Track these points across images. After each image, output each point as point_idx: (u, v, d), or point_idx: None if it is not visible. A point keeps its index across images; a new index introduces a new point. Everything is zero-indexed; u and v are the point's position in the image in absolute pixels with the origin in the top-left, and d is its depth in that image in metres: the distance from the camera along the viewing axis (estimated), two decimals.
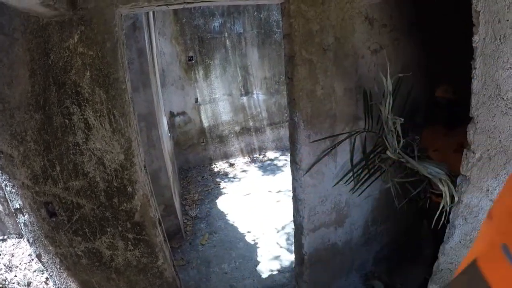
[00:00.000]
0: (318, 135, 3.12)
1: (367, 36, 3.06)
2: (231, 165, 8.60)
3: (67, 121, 2.26)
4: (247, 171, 8.20)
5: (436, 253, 2.85)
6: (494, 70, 1.91)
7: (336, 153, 3.27)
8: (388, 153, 3.02)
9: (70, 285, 2.80)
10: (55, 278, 2.76)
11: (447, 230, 2.53)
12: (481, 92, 2.01)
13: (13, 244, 5.15)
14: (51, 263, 2.68)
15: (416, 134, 3.21)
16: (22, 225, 2.50)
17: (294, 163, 3.31)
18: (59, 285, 2.80)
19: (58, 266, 2.70)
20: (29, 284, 4.32)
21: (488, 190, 2.16)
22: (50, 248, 2.59)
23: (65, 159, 2.34)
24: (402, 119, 2.89)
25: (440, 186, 2.76)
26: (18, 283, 4.27)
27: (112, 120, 2.31)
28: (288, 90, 3.09)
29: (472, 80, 2.03)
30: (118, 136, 2.36)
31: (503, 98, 1.91)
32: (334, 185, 3.35)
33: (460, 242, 2.45)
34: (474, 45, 1.96)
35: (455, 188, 2.49)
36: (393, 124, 2.95)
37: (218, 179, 7.85)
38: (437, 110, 3.18)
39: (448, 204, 2.69)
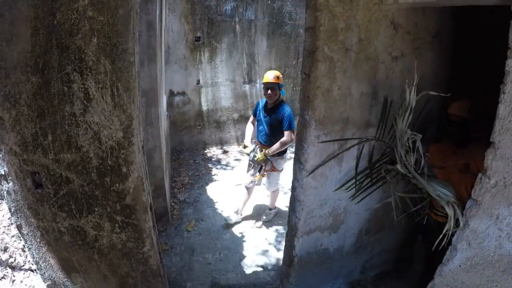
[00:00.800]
0: (327, 137, 3.01)
1: (391, 42, 2.95)
2: (225, 152, 8.48)
3: (66, 88, 2.10)
4: (240, 160, 8.08)
5: (426, 270, 2.79)
6: None
7: (342, 158, 3.17)
8: (398, 167, 2.91)
9: (49, 260, 2.69)
10: (33, 251, 2.64)
11: (447, 252, 2.46)
12: (506, 118, 1.92)
13: None
14: (31, 235, 2.55)
15: (424, 149, 3.10)
16: (5, 192, 2.37)
17: (298, 163, 3.20)
18: (37, 259, 2.68)
19: (39, 240, 2.57)
20: (5, 249, 4.20)
21: (498, 218, 2.10)
22: (32, 220, 2.46)
23: (59, 129, 2.19)
24: (421, 136, 2.80)
25: (447, 209, 2.68)
26: None
27: (114, 93, 2.15)
28: (302, 87, 2.97)
29: (499, 104, 1.94)
30: (119, 111, 2.20)
31: None
32: (336, 189, 3.26)
33: (460, 266, 2.37)
34: (506, 69, 1.86)
35: (461, 213, 2.41)
36: (408, 139, 2.86)
37: (210, 165, 7.73)
38: (449, 127, 3.08)
39: (452, 228, 2.61)
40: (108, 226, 2.55)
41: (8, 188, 2.34)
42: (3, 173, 2.29)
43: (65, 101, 2.13)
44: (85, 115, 2.17)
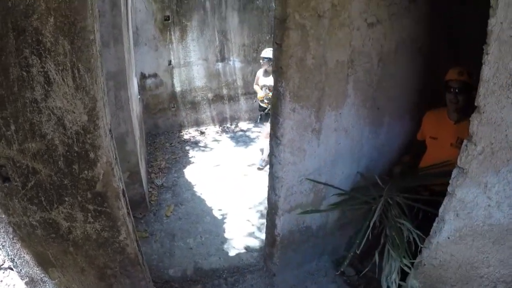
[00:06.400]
0: (303, 109, 2.93)
1: (365, 7, 2.84)
2: (202, 133, 8.33)
3: (25, 73, 1.96)
4: (218, 141, 7.97)
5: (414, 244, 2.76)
6: (509, 58, 1.74)
7: (320, 130, 3.09)
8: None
9: (24, 256, 2.58)
10: (7, 248, 2.53)
11: (434, 224, 2.41)
12: (491, 80, 1.84)
13: None
14: (3, 232, 2.44)
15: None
16: None
17: (274, 138, 3.11)
18: (12, 256, 2.58)
19: (11, 236, 2.46)
20: None
21: (486, 186, 2.03)
22: (3, 216, 2.34)
23: (21, 118, 2.05)
24: None
25: None
26: None
27: (76, 75, 2.02)
28: (275, 57, 2.86)
29: (483, 66, 1.86)
30: (82, 94, 2.07)
31: None
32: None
33: (449, 238, 2.32)
34: (489, 28, 1.78)
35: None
36: None
37: (187, 147, 7.60)
38: (449, 95, 2.94)
39: None
40: (80, 216, 2.45)
41: None
42: None
43: (25, 87, 1.99)
44: (47, 100, 2.04)
